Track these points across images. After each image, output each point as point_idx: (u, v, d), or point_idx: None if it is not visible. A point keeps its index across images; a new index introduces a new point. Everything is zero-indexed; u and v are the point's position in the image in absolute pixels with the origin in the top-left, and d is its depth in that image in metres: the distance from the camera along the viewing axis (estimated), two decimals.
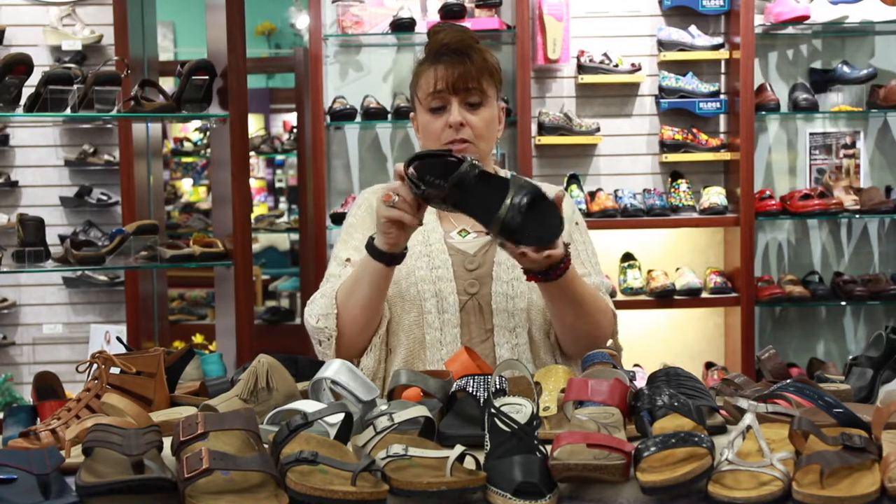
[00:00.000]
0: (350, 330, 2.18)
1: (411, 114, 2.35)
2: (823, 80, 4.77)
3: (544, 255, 1.90)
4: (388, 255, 2.05)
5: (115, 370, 1.92)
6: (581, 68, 4.67)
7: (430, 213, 2.31)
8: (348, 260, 2.27)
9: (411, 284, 2.24)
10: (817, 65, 4.84)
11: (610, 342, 2.22)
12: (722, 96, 4.70)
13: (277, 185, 9.50)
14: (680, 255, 4.81)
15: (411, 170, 1.92)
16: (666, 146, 4.69)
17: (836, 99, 4.84)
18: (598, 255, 2.38)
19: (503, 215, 1.85)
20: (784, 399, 1.81)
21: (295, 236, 7.92)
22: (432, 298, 2.22)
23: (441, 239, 2.28)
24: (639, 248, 4.76)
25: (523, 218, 1.85)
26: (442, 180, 1.89)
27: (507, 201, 1.85)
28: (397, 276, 2.24)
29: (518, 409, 1.59)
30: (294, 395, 1.85)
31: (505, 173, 2.41)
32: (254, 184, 8.92)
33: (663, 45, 4.70)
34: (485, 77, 2.22)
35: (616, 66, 4.65)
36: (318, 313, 2.19)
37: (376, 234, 2.05)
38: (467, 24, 4.45)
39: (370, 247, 2.07)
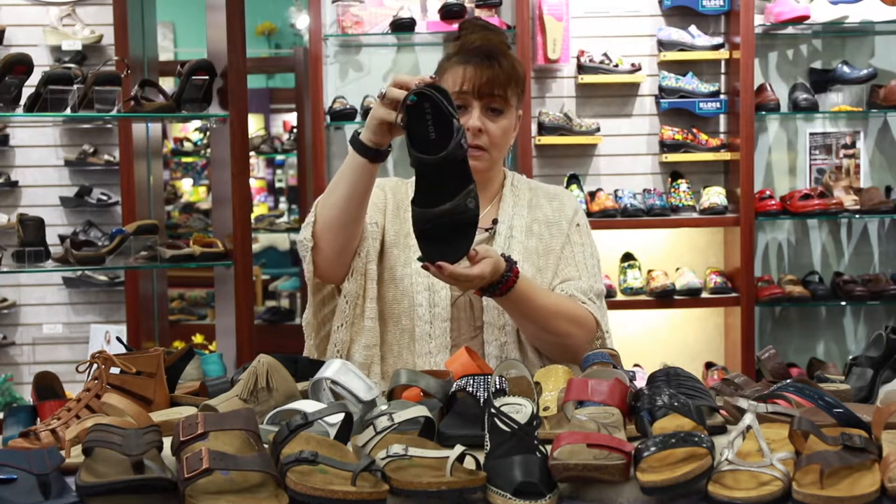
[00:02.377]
0: (326, 236, 2.14)
1: None
2: (823, 80, 4.76)
3: (445, 273, 1.94)
4: (372, 151, 2.04)
5: (115, 370, 1.92)
6: (581, 68, 4.67)
7: None
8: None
9: (406, 275, 2.24)
10: (817, 65, 4.84)
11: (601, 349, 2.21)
12: (722, 96, 4.70)
13: (277, 185, 9.50)
14: (680, 255, 4.81)
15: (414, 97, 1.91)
16: (666, 146, 4.69)
17: (836, 99, 4.84)
18: (598, 259, 2.36)
19: (426, 213, 1.90)
20: (784, 399, 1.81)
21: (295, 236, 7.92)
22: (424, 292, 2.22)
23: None
24: (639, 248, 4.76)
25: (436, 227, 1.91)
26: (427, 133, 1.91)
27: (443, 207, 1.89)
28: (393, 264, 2.25)
29: (518, 409, 1.59)
30: (294, 395, 1.84)
31: (511, 175, 2.40)
32: (254, 184, 8.93)
33: (663, 45, 4.70)
34: (511, 85, 2.22)
35: (616, 66, 4.65)
36: (303, 225, 2.20)
37: (363, 129, 2.06)
38: None
39: (354, 140, 2.06)
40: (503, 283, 2.05)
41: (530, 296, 2.12)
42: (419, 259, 1.97)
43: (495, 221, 2.31)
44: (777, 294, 4.58)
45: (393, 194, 2.35)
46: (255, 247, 7.61)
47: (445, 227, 1.91)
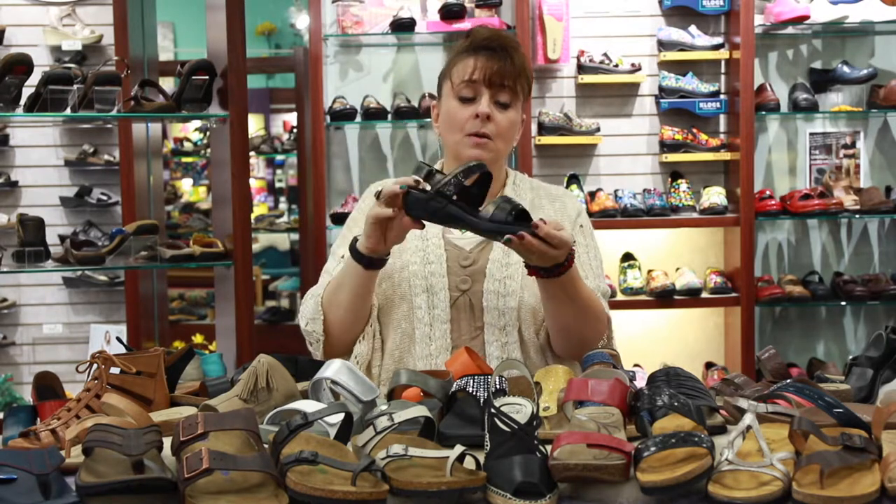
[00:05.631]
0: (336, 331, 2.21)
1: (433, 102, 2.36)
2: (823, 80, 4.76)
3: (541, 232, 1.90)
4: (366, 258, 2.08)
5: (115, 370, 1.92)
6: (581, 68, 4.67)
7: None
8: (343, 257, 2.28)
9: (404, 279, 2.24)
10: (817, 65, 4.84)
11: (604, 348, 2.20)
12: (722, 96, 4.70)
13: (277, 185, 9.51)
14: (680, 255, 4.81)
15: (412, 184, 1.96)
16: (666, 146, 4.69)
17: (836, 99, 4.84)
18: (601, 259, 2.36)
19: (480, 220, 1.91)
20: (784, 399, 1.82)
21: (295, 236, 7.93)
22: (423, 294, 2.22)
23: (439, 234, 2.28)
24: (639, 248, 4.76)
25: (500, 221, 1.90)
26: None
27: (489, 210, 1.91)
28: (391, 269, 2.25)
29: (518, 409, 1.59)
30: (294, 395, 1.85)
31: (513, 175, 2.39)
32: (254, 184, 8.93)
33: (663, 45, 4.70)
34: (520, 80, 2.23)
35: (616, 66, 4.65)
36: (307, 317, 2.22)
37: (361, 235, 2.08)
38: (467, 24, 4.46)
39: (353, 248, 2.10)
40: (569, 259, 2.02)
41: (576, 277, 2.10)
42: (506, 241, 1.92)
43: None
44: (777, 294, 4.58)
45: None
46: (255, 247, 7.61)
47: (507, 216, 1.91)
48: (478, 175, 1.95)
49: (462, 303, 2.23)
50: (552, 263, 1.99)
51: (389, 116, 4.62)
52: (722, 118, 4.79)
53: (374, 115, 4.58)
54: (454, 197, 1.93)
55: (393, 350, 2.23)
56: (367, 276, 2.12)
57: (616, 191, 4.67)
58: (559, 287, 2.06)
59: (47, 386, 2.10)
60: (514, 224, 1.90)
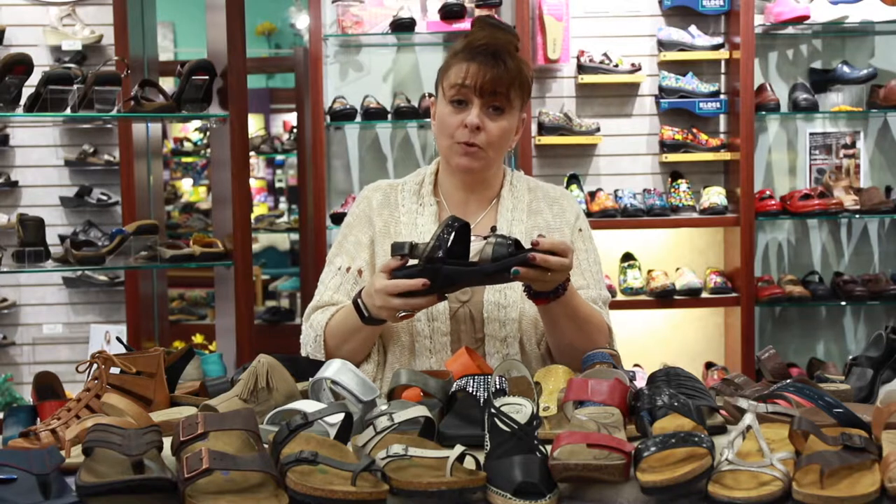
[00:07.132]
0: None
1: (431, 100, 2.33)
2: (823, 80, 4.77)
3: (545, 246, 1.89)
4: (375, 320, 2.06)
5: (115, 370, 1.92)
6: (581, 68, 4.67)
7: (428, 217, 2.28)
8: (345, 269, 2.27)
9: None
10: (817, 65, 4.84)
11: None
12: (722, 96, 4.70)
13: (277, 185, 9.51)
14: (680, 255, 4.82)
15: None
16: (666, 146, 4.69)
17: (836, 99, 4.84)
18: (600, 263, 2.33)
19: (476, 268, 1.91)
20: (784, 399, 1.82)
21: (295, 236, 7.93)
22: None
23: None
24: (639, 248, 4.76)
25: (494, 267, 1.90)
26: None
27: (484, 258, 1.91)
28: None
29: (518, 409, 1.59)
30: (294, 395, 1.84)
31: (510, 175, 2.37)
32: (254, 184, 8.93)
33: (663, 45, 4.70)
34: (514, 87, 2.17)
35: (616, 66, 4.65)
36: (309, 351, 2.21)
37: (365, 297, 2.05)
38: (467, 24, 4.46)
39: (361, 314, 2.06)
40: (568, 279, 2.01)
41: (575, 294, 2.09)
42: (514, 274, 1.90)
43: (493, 229, 2.22)
44: (777, 294, 4.59)
45: (379, 213, 2.31)
46: (255, 247, 7.61)
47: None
48: (456, 229, 1.94)
49: (462, 314, 2.20)
50: (554, 286, 1.98)
51: (389, 116, 4.62)
52: (722, 118, 4.79)
53: (374, 115, 4.58)
54: (445, 257, 1.91)
55: (393, 363, 2.21)
56: (375, 328, 2.13)
57: (616, 191, 4.67)
58: (561, 308, 2.05)
59: (47, 386, 2.10)
60: (515, 254, 1.89)
